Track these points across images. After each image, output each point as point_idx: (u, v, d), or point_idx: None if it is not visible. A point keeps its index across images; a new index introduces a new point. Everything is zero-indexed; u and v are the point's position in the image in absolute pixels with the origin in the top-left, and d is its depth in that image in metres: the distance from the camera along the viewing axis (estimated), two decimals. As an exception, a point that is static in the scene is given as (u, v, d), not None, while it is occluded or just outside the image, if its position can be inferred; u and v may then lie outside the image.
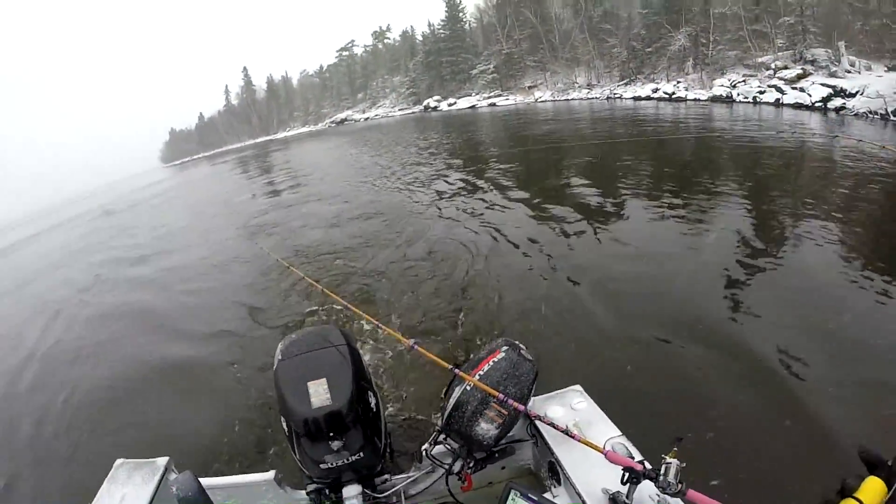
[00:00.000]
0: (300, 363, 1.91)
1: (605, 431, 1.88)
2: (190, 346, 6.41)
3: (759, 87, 26.54)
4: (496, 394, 1.82)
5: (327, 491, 1.94)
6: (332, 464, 1.81)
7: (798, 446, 3.42)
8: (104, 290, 10.28)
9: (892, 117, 19.28)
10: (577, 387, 2.20)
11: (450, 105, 55.70)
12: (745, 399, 3.91)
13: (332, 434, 1.76)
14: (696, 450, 3.26)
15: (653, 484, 1.39)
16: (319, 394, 1.79)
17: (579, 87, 43.99)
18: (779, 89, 25.09)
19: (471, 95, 55.00)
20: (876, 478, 1.02)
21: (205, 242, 12.79)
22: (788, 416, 3.68)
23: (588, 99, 40.58)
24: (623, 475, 1.50)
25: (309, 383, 1.81)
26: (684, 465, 1.35)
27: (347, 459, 1.81)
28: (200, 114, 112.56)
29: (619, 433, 1.88)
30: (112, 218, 24.78)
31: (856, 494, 1.00)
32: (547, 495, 1.73)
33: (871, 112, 20.07)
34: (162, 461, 2.06)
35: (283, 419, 1.87)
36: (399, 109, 64.72)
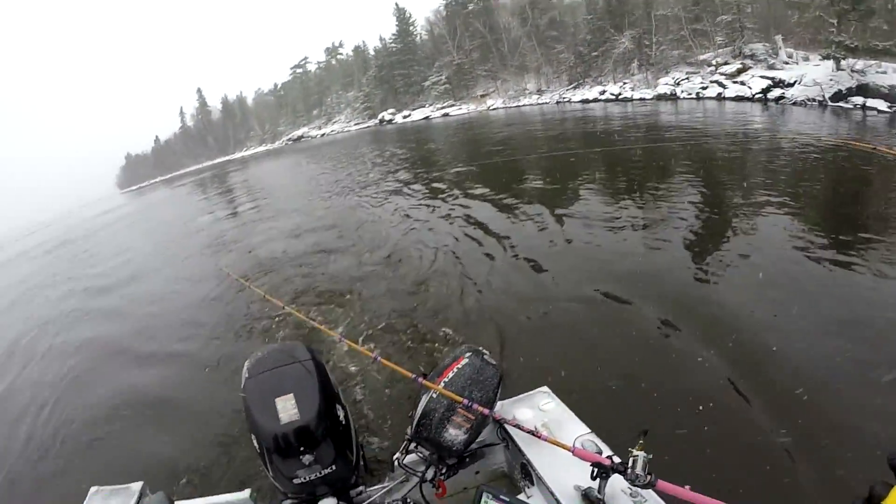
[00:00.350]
0: (267, 380, 1.90)
1: (574, 430, 1.90)
2: (157, 372, 6.29)
3: (701, 83, 26.90)
4: (461, 399, 1.83)
5: None
6: (304, 478, 1.78)
7: (764, 434, 3.41)
8: (66, 323, 9.72)
9: (829, 103, 19.50)
10: (545, 388, 2.23)
11: (404, 117, 55.27)
12: (714, 389, 3.91)
13: (302, 448, 1.74)
14: (669, 441, 3.24)
15: (622, 477, 1.39)
16: (287, 409, 1.78)
17: (530, 93, 44.12)
18: (720, 84, 25.45)
19: (424, 107, 54.79)
20: None
21: (165, 267, 12.49)
22: (755, 404, 3.71)
23: (538, 104, 40.83)
24: (592, 471, 1.52)
25: (276, 399, 1.80)
26: (651, 456, 1.36)
27: (320, 473, 1.79)
28: (156, 137, 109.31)
29: (588, 430, 1.90)
30: (70, 247, 23.36)
31: (885, 503, 0.92)
32: (521, 496, 1.79)
33: (808, 99, 20.29)
34: (136, 486, 2.06)
35: (253, 437, 1.85)
36: (355, 124, 63.99)
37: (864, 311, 4.73)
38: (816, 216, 7.58)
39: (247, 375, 1.94)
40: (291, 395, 1.81)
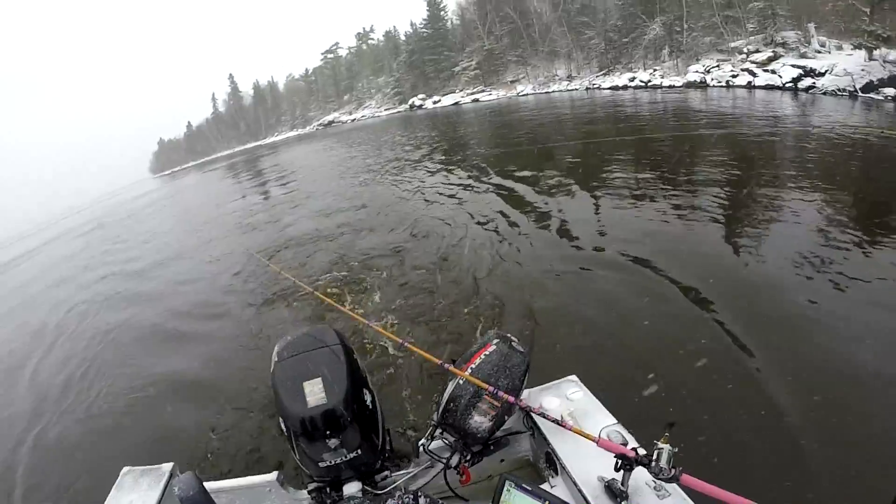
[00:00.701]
0: (295, 364, 1.92)
1: (601, 420, 1.88)
2: (188, 355, 6.36)
3: (731, 71, 26.70)
4: (487, 386, 1.81)
5: (328, 489, 1.95)
6: (330, 462, 1.81)
7: (797, 435, 3.33)
8: (99, 304, 10.06)
9: (859, 94, 19.41)
10: (573, 377, 2.19)
11: (434, 103, 55.45)
12: (742, 384, 3.83)
13: (328, 432, 1.76)
14: (694, 435, 3.26)
15: (646, 470, 1.37)
16: (315, 393, 1.80)
17: (559, 79, 43.98)
18: (751, 72, 25.24)
19: (455, 92, 54.78)
20: None
21: (196, 251, 12.63)
22: (781, 401, 3.60)
23: (568, 90, 40.68)
24: (616, 462, 1.49)
25: (304, 383, 1.83)
26: (676, 450, 1.34)
27: (345, 457, 1.82)
28: (189, 122, 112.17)
29: (615, 421, 1.87)
30: (106, 230, 24.19)
31: None
32: (545, 486, 1.80)
33: (839, 90, 20.20)
34: (167, 467, 2.08)
35: (280, 420, 1.87)
36: (385, 109, 64.34)
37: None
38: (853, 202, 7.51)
39: (276, 359, 1.98)
40: (319, 379, 1.84)
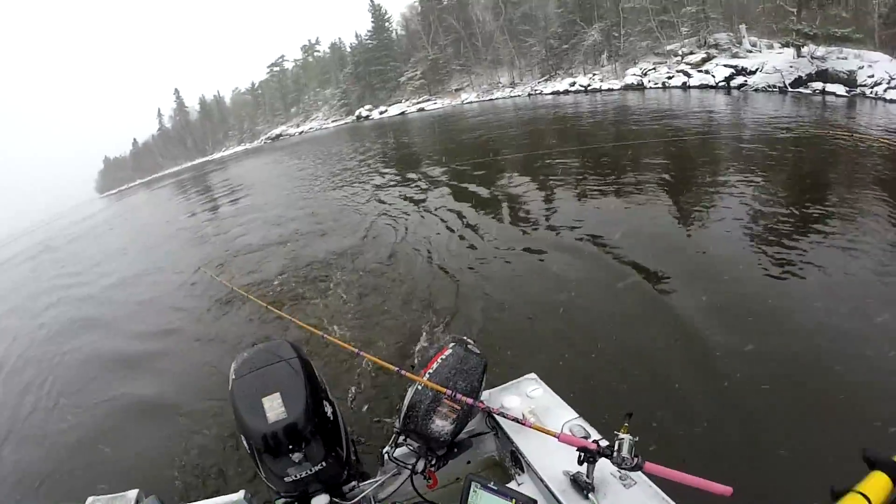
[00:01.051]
0: (253, 380, 1.86)
1: (562, 415, 1.91)
2: (145, 377, 6.21)
3: (667, 73, 26.99)
4: (445, 390, 1.81)
5: None
6: (295, 476, 1.76)
7: (753, 412, 3.40)
8: (57, 332, 9.38)
9: (789, 89, 19.59)
10: (532, 375, 2.23)
11: (381, 113, 54.79)
12: (698, 370, 3.91)
13: (291, 447, 1.71)
14: (658, 424, 3.31)
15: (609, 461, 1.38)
16: (274, 408, 1.75)
17: (503, 86, 43.95)
18: (686, 73, 25.56)
19: (401, 102, 54.34)
20: (881, 473, 0.99)
21: (146, 270, 12.17)
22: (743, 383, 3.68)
23: (511, 97, 40.71)
24: (579, 456, 1.50)
25: (263, 399, 1.78)
26: (636, 439, 1.35)
27: (311, 470, 1.76)
28: (134, 139, 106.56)
29: (576, 415, 1.91)
30: (53, 253, 22.89)
31: (859, 489, 0.96)
32: (511, 484, 1.87)
33: (769, 86, 20.39)
34: (132, 494, 2.03)
35: (242, 437, 1.81)
36: (332, 121, 63.26)
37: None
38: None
39: (233, 377, 1.91)
40: (278, 394, 1.78)
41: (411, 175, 14.56)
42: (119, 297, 10.53)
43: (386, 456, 2.01)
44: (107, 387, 6.23)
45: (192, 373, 5.86)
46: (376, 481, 2.05)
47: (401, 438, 1.95)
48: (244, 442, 1.82)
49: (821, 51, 19.92)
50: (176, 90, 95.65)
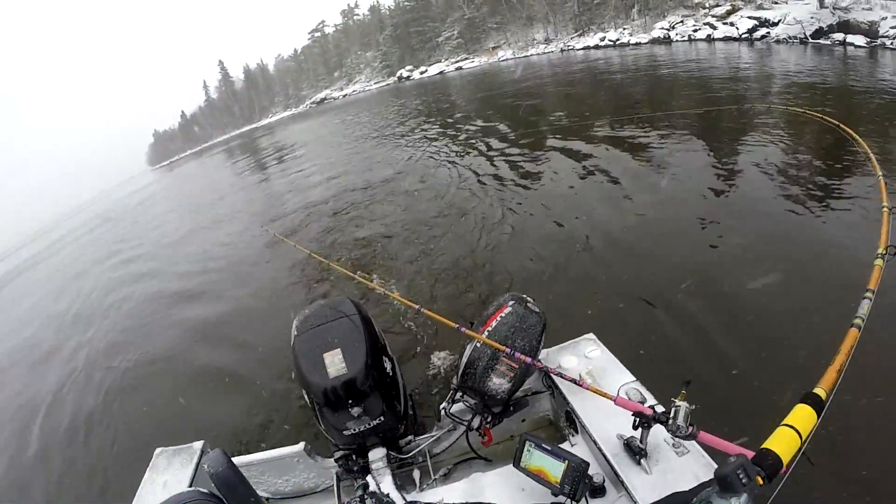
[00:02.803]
0: (315, 336, 1.94)
1: (619, 378, 1.84)
2: (209, 334, 6.26)
3: (694, 25, 27.03)
4: (503, 348, 1.79)
5: (354, 456, 1.96)
6: (354, 430, 1.82)
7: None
8: (118, 296, 9.64)
9: (809, 40, 19.83)
10: (591, 335, 2.14)
11: (421, 73, 55.28)
12: (760, 343, 3.49)
13: (351, 401, 1.77)
14: (713, 392, 2.98)
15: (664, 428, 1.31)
16: (335, 363, 1.80)
17: (538, 42, 43.99)
18: (711, 26, 25.63)
19: (440, 62, 54.82)
20: (804, 405, 1.01)
21: (207, 234, 12.28)
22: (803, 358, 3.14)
23: (545, 53, 40.61)
24: (634, 420, 1.45)
25: (324, 354, 1.84)
26: (693, 407, 1.27)
27: (369, 424, 1.83)
28: (182, 112, 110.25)
29: (633, 379, 1.83)
30: (113, 224, 23.60)
31: (787, 422, 0.98)
32: (565, 444, 1.79)
33: (790, 37, 20.66)
34: (198, 445, 2.08)
35: (303, 392, 1.90)
36: (375, 83, 64.09)
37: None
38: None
39: (295, 333, 1.97)
40: (339, 349, 1.82)
41: (457, 130, 14.49)
42: (186, 259, 10.45)
43: (443, 412, 1.98)
44: (169, 346, 6.33)
45: (253, 329, 5.83)
46: (432, 436, 2.06)
47: (458, 395, 1.92)
48: (305, 396, 1.87)
49: (846, 1, 19.66)
50: (220, 61, 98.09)
